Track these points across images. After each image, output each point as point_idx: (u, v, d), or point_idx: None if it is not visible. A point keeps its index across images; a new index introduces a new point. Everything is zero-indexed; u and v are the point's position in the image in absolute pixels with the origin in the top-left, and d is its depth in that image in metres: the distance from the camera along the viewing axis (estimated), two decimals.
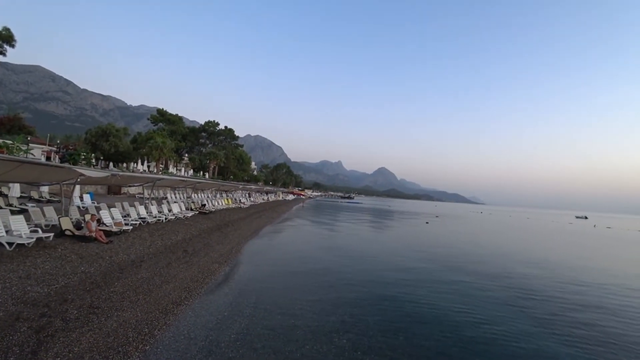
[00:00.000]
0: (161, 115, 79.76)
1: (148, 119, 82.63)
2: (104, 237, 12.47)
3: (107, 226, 14.23)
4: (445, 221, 59.76)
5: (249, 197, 55.17)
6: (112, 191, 34.16)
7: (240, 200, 46.90)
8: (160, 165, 59.90)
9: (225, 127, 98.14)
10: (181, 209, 24.06)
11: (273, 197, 79.02)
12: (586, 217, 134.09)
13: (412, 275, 15.39)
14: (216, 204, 34.60)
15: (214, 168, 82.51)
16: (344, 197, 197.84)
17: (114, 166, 51.27)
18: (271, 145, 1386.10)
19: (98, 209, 16.88)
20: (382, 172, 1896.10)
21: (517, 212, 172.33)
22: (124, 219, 16.42)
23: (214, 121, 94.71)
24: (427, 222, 51.27)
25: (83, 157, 40.63)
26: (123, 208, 18.92)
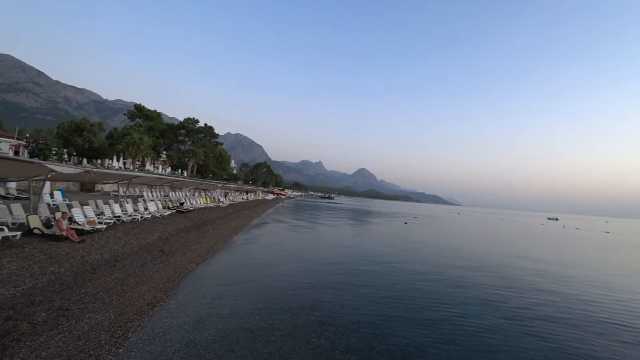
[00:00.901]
0: (139, 111, 77.58)
1: (125, 114, 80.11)
2: (75, 236, 12.01)
3: (79, 225, 13.72)
4: (424, 222, 61.11)
5: (227, 196, 54.46)
6: (86, 188, 32.95)
7: (219, 199, 46.25)
8: (137, 162, 58.32)
9: (205, 124, 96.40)
10: (158, 208, 23.50)
11: (253, 196, 78.31)
12: (557, 219, 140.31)
13: (390, 274, 15.65)
14: (194, 202, 33.97)
15: (193, 166, 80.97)
16: (324, 197, 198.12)
17: (88, 162, 49.44)
18: (252, 144, 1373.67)
19: (70, 206, 16.26)
20: (362, 172, 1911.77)
21: (492, 214, 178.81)
22: (98, 218, 15.86)
23: (193, 118, 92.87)
24: (405, 223, 52.12)
25: (54, 152, 39.02)
26: (97, 206, 18.25)
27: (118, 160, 55.35)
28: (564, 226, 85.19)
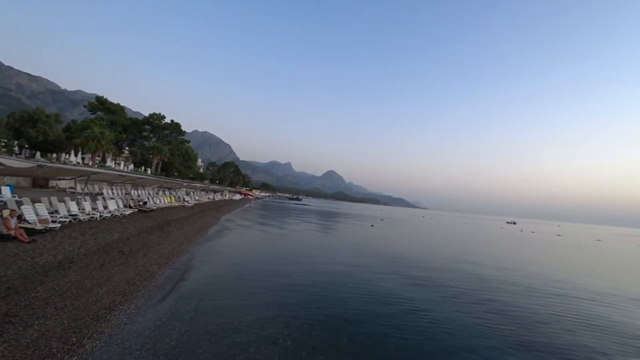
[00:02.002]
0: (100, 104, 73.61)
1: (85, 107, 75.44)
2: (25, 235, 11.19)
3: (29, 223, 12.81)
4: (390, 224, 62.56)
5: (190, 195, 53.01)
6: (38, 184, 30.88)
7: (184, 198, 44.91)
8: (97, 158, 55.35)
9: (172, 121, 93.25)
10: (118, 206, 22.43)
11: (219, 196, 76.72)
12: (515, 223, 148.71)
13: (356, 275, 15.89)
14: (158, 201, 32.77)
15: (157, 164, 78.04)
16: (292, 199, 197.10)
17: (42, 156, 46.27)
18: (219, 142, 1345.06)
19: (19, 203, 15.09)
20: (330, 175, 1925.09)
21: (456, 217, 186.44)
22: (51, 216, 14.85)
23: (159, 114, 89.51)
24: (372, 225, 52.97)
25: (3, 144, 36.33)
26: (50, 203, 17.13)
27: (76, 155, 52.23)
28: (521, 230, 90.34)
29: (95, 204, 20.22)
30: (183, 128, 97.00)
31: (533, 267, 24.67)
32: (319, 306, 10.74)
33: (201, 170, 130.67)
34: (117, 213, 20.18)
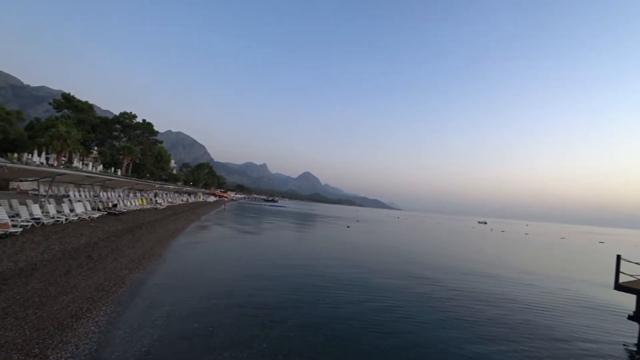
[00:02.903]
0: (67, 101, 70.22)
1: (50, 104, 71.65)
2: None
3: None
4: (365, 225, 63.29)
5: (157, 196, 51.63)
6: None
7: (156, 200, 43.67)
8: (63, 158, 52.86)
9: (144, 120, 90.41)
10: (86, 209, 21.53)
11: (193, 198, 75.18)
12: (486, 222, 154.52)
13: (331, 275, 16.02)
14: (129, 204, 31.71)
15: (128, 165, 75.43)
16: (268, 200, 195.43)
17: (1, 156, 43.77)
18: (193, 143, 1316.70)
19: None
20: (306, 176, 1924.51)
21: (430, 218, 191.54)
22: (12, 220, 14.03)
23: (130, 113, 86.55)
24: (348, 227, 53.41)
25: None
26: (11, 206, 16.18)
27: (39, 155, 49.63)
28: (491, 229, 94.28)
29: (61, 206, 19.33)
30: (156, 128, 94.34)
31: (498, 261, 25.98)
32: (295, 307, 10.73)
33: (174, 171, 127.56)
34: (84, 216, 19.37)
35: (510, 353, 8.85)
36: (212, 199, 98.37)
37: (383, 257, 23.56)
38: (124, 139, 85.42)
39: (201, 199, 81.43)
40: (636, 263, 12.32)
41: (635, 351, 9.94)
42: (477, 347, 8.97)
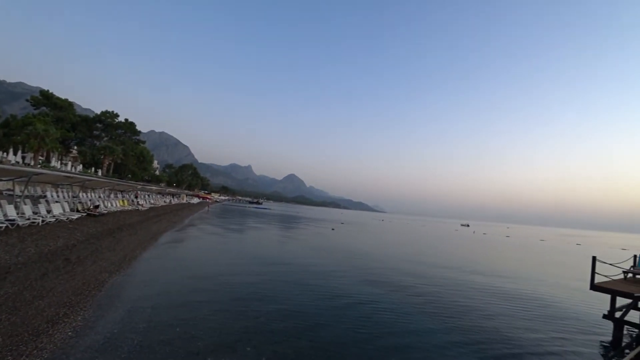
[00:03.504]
0: (45, 98, 68.06)
1: (27, 101, 69.36)
2: None
3: None
4: (350, 228, 63.48)
5: (144, 198, 50.66)
6: None
7: (138, 202, 42.81)
8: (40, 158, 51.29)
9: (126, 119, 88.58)
10: (64, 210, 20.93)
11: (176, 199, 74.05)
12: (468, 225, 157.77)
13: (316, 279, 15.97)
14: (109, 205, 30.99)
15: (109, 165, 73.70)
16: (252, 202, 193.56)
17: None
18: (177, 144, 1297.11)
19: None
20: (291, 178, 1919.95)
21: (414, 220, 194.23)
22: None
23: (112, 112, 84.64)
24: (332, 229, 53.45)
25: None
26: None
27: (15, 154, 48.07)
28: (474, 232, 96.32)
29: (37, 207, 18.71)
30: (138, 128, 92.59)
31: (480, 262, 26.66)
32: (280, 311, 10.64)
33: (157, 172, 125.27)
34: (62, 217, 18.82)
35: (488, 350, 9.07)
36: (195, 200, 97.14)
37: (367, 260, 23.69)
38: (105, 139, 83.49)
39: (184, 201, 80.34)
40: (610, 264, 12.79)
41: (610, 348, 10.29)
42: (457, 345, 9.17)
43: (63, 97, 71.70)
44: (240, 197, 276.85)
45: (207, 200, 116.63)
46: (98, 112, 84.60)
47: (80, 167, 62.80)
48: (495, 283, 19.37)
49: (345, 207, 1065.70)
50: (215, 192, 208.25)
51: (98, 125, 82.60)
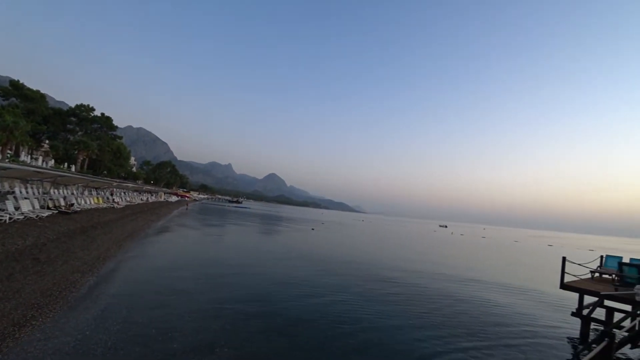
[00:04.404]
0: (15, 89, 64.78)
1: None
2: None
3: None
4: (331, 227, 63.71)
5: (119, 195, 49.32)
6: None
7: (113, 199, 41.61)
8: (8, 152, 49.04)
9: (102, 114, 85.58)
10: (34, 207, 20.10)
11: (154, 197, 72.42)
12: (446, 226, 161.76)
13: (295, 277, 16.01)
14: (83, 202, 29.98)
15: (84, 160, 71.20)
16: (232, 201, 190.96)
17: None
18: (156, 140, 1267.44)
19: None
20: (272, 177, 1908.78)
21: (393, 221, 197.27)
22: None
23: (87, 105, 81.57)
24: (313, 229, 53.53)
25: None
26: None
27: None
28: (452, 233, 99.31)
29: (5, 204, 17.88)
30: (115, 122, 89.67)
31: (457, 262, 27.43)
32: (258, 310, 10.57)
33: (134, 169, 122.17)
34: (32, 215, 18.06)
35: (459, 342, 9.39)
36: (174, 198, 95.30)
37: (346, 259, 23.91)
38: (79, 133, 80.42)
39: (162, 199, 78.67)
40: (579, 264, 13.37)
41: (577, 344, 10.82)
42: (427, 338, 9.49)
43: (34, 88, 68.70)
44: (220, 196, 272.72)
45: (186, 198, 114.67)
46: (72, 105, 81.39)
47: (52, 162, 60.36)
48: (467, 281, 20.16)
49: (326, 207, 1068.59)
50: (194, 190, 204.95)
51: (72, 118, 79.44)
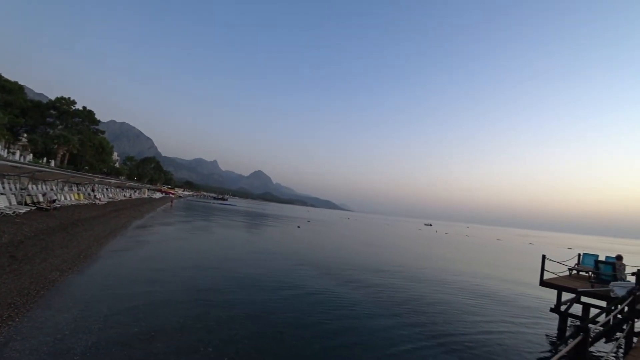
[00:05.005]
0: None
1: None
2: None
3: None
4: (316, 225, 63.96)
5: (101, 191, 48.29)
6: None
7: (95, 195, 40.70)
8: None
9: (84, 107, 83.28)
10: (10, 203, 19.47)
11: (137, 194, 71.19)
12: (431, 225, 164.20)
13: (280, 276, 15.99)
14: (63, 198, 29.22)
15: (64, 155, 69.24)
16: (217, 199, 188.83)
17: None
18: (139, 135, 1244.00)
19: None
20: (258, 175, 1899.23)
21: (379, 219, 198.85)
22: None
23: (68, 98, 79.17)
24: (298, 227, 53.64)
25: None
26: None
27: None
28: (436, 231, 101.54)
29: None
30: (98, 117, 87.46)
31: (440, 260, 28.06)
32: (242, 309, 10.50)
33: (117, 164, 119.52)
34: (8, 211, 17.49)
35: (437, 336, 9.63)
36: (158, 195, 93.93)
37: (331, 256, 24.16)
38: (59, 127, 78.10)
39: (146, 195, 77.48)
40: (558, 262, 13.81)
41: (555, 339, 11.22)
42: (411, 340, 9.55)
43: (12, 79, 66.39)
44: (205, 193, 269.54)
45: (170, 195, 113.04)
46: (52, 98, 79.06)
47: (30, 157, 58.52)
48: (449, 277, 20.83)
49: (312, 205, 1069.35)
50: (178, 187, 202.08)
51: (52, 112, 76.98)
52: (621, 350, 9.56)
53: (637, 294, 8.37)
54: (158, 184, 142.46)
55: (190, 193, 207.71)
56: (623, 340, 8.15)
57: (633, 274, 9.78)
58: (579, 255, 15.78)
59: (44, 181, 32.19)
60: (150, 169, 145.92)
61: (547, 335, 11.39)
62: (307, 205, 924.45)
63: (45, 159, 62.30)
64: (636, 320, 8.10)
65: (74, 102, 79.94)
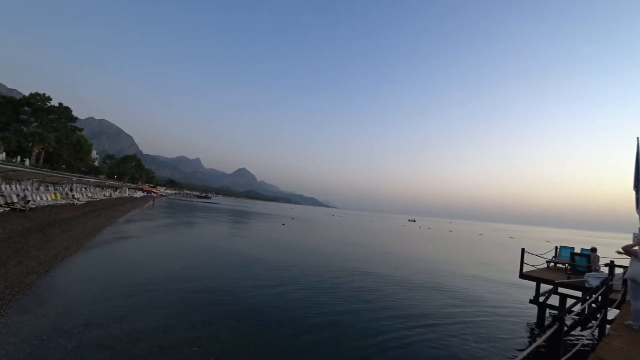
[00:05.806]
0: None
1: None
2: None
3: None
4: (301, 222, 64.02)
5: (80, 191, 47.06)
6: None
7: (73, 195, 39.60)
8: None
9: (60, 104, 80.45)
10: None
11: (118, 193, 69.62)
12: (415, 220, 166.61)
13: (265, 273, 15.95)
14: (39, 198, 28.33)
15: (39, 154, 66.91)
16: (201, 197, 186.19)
17: None
18: (120, 133, 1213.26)
19: None
20: (242, 172, 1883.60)
21: (364, 215, 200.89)
22: None
23: (44, 94, 76.31)
24: (283, 224, 53.58)
25: None
26: None
27: None
28: (419, 226, 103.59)
29: None
30: (75, 113, 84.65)
31: (424, 254, 28.55)
32: (227, 308, 10.41)
33: (96, 163, 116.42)
34: None
35: (420, 333, 9.74)
36: (139, 194, 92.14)
37: (314, 252, 24.40)
38: (34, 124, 75.39)
39: (127, 194, 75.89)
40: (536, 255, 14.24)
41: (534, 329, 11.60)
42: (394, 330, 9.77)
43: None
44: (188, 191, 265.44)
45: (152, 194, 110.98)
46: (26, 93, 76.25)
47: (3, 156, 56.35)
48: (431, 270, 21.44)
49: (296, 203, 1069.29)
50: (161, 185, 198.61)
51: (26, 108, 74.14)
52: (596, 337, 9.95)
53: (610, 283, 8.70)
54: (139, 183, 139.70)
55: (173, 191, 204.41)
56: (597, 329, 8.50)
57: (606, 265, 10.17)
58: (556, 248, 16.34)
59: (19, 181, 31.12)
60: (131, 167, 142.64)
61: (526, 326, 11.79)
62: (291, 203, 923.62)
63: (19, 158, 60.00)
64: (609, 308, 8.43)
65: (49, 99, 77.16)
